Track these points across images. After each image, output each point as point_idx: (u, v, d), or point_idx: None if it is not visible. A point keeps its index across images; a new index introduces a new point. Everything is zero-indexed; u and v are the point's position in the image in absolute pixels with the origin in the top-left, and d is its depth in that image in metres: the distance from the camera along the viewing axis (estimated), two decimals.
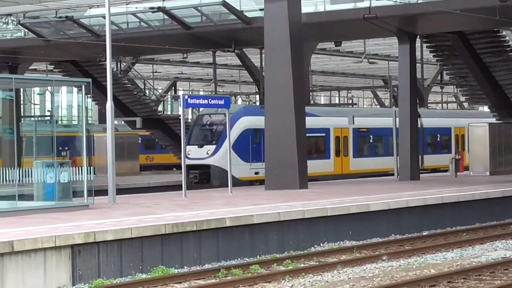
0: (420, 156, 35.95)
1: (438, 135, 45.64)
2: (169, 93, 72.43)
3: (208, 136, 32.44)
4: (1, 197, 22.18)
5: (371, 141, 40.75)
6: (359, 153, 39.79)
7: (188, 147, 30.44)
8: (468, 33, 33.39)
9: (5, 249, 13.01)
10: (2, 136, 38.37)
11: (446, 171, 38.31)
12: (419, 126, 38.79)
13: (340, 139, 38.50)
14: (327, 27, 33.96)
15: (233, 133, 28.31)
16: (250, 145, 32.09)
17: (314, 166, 32.77)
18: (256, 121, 32.25)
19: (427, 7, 30.66)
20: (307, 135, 28.35)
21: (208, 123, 34.12)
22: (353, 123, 37.70)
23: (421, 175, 33.39)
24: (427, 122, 42.07)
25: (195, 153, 30.04)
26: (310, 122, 29.24)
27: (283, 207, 19.97)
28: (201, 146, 31.94)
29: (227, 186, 24.16)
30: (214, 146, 31.81)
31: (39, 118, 59.19)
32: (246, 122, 32.35)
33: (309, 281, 13.69)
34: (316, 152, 37.20)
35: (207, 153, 31.59)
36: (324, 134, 36.69)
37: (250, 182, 29.99)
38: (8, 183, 22.47)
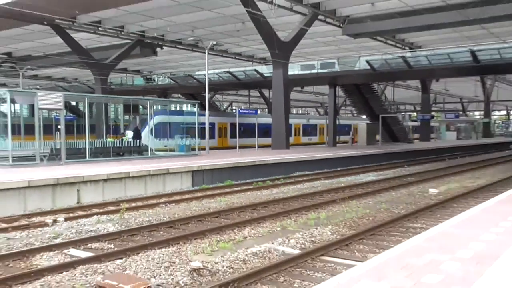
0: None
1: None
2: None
3: (138, 125, 30.17)
4: (161, 150, 28.95)
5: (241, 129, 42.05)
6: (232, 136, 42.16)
7: (127, 132, 29.60)
8: (359, 84, 40.52)
9: (165, 172, 18.12)
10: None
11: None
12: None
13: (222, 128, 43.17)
14: (298, 80, 41.00)
15: (151, 124, 32.26)
16: (161, 131, 33.51)
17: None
18: (164, 118, 34.64)
19: (342, 73, 38.46)
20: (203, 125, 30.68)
21: (139, 119, 32.93)
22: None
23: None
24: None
25: (129, 135, 28.42)
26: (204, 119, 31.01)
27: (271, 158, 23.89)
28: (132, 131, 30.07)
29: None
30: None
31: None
32: (158, 118, 34.34)
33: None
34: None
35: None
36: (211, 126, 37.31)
37: (161, 150, 30.90)
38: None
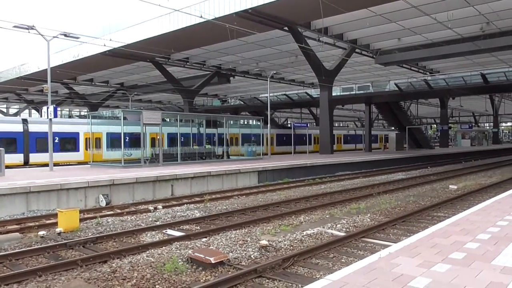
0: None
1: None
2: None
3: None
4: (234, 155, 27.61)
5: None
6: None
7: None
8: (389, 102, 39.34)
9: (237, 172, 17.83)
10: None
11: None
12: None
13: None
14: (340, 100, 40.88)
15: None
16: None
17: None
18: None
19: (375, 94, 37.61)
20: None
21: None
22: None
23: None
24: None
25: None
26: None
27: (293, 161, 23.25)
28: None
29: None
30: None
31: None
32: None
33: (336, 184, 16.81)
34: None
35: None
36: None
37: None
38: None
